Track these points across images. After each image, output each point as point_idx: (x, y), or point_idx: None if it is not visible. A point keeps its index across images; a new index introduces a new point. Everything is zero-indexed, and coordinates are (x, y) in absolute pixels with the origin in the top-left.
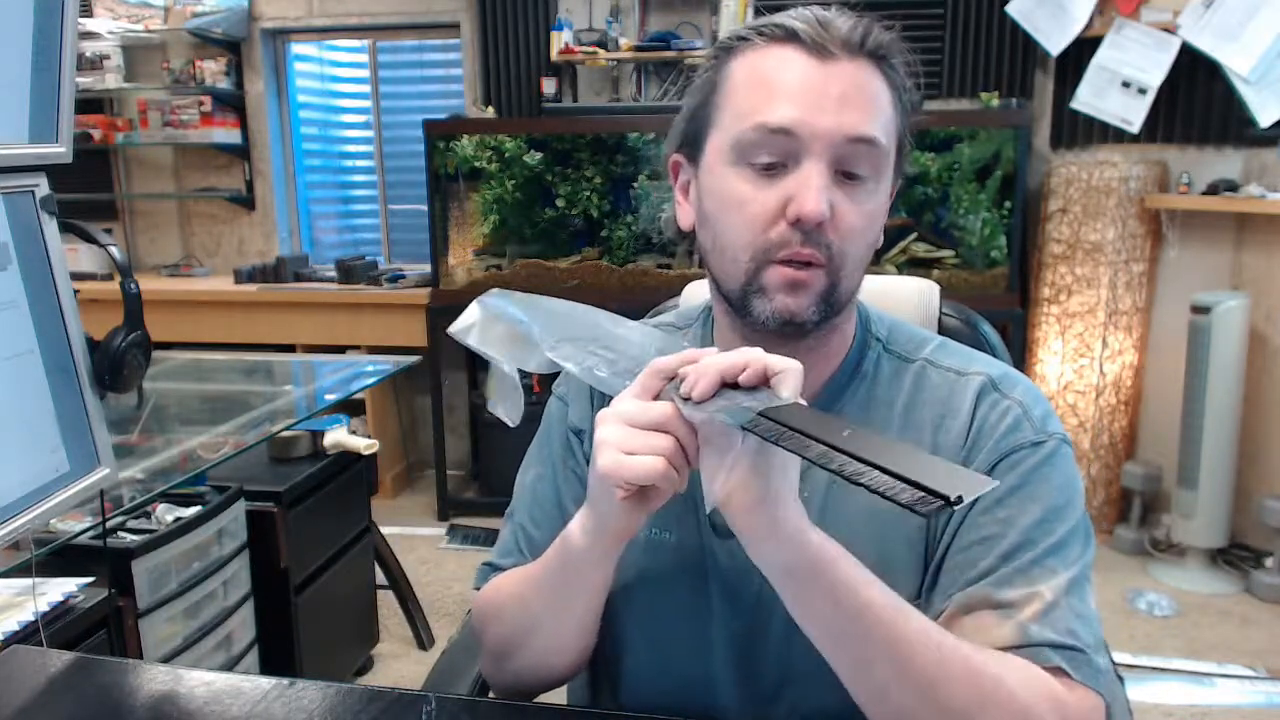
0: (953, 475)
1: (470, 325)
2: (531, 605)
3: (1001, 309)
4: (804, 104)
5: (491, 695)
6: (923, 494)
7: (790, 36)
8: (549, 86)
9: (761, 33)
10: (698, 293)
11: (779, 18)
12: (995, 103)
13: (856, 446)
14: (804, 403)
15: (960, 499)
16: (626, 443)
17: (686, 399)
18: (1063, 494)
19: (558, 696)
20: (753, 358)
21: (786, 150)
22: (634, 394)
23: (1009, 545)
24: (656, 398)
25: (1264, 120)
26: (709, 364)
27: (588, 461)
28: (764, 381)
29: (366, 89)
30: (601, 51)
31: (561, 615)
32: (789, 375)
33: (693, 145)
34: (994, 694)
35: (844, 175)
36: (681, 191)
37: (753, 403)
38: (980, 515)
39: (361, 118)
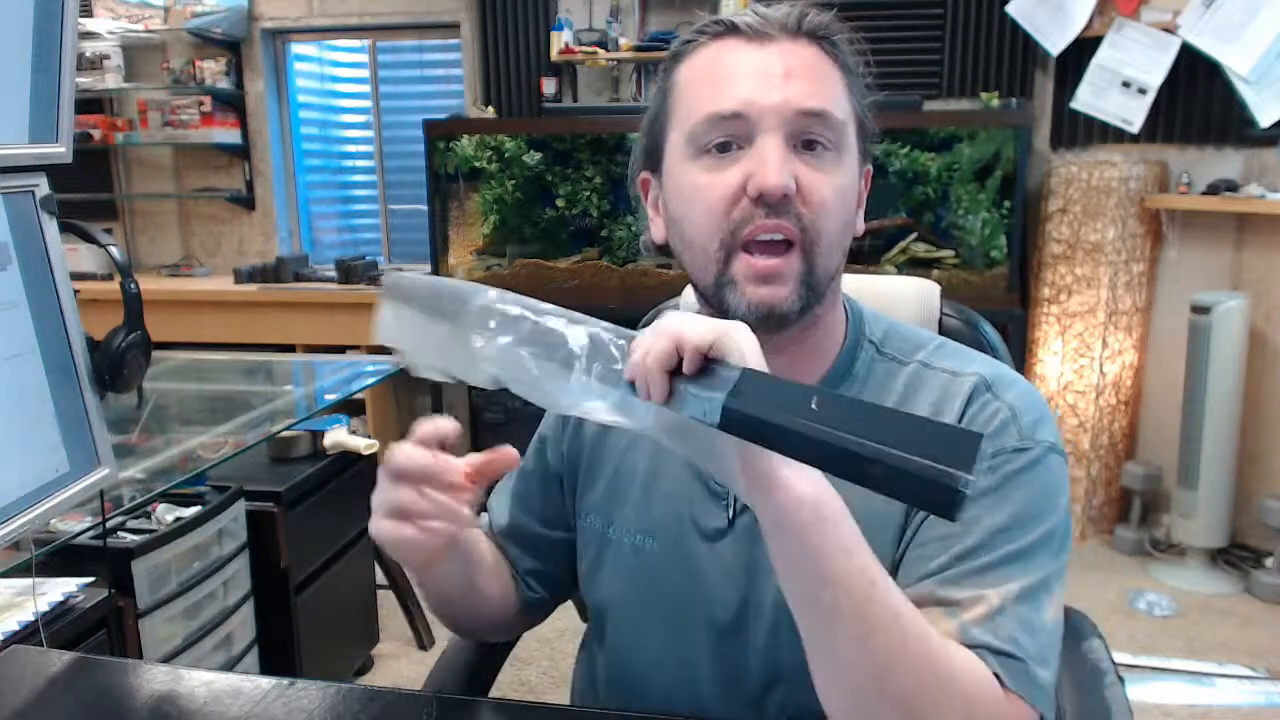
0: (944, 443)
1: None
2: None
3: (1001, 309)
4: (749, 85)
5: (491, 695)
6: (935, 488)
7: (730, 29)
8: (549, 86)
9: (703, 31)
10: None
11: (721, 15)
12: (995, 103)
13: (828, 422)
14: (757, 368)
15: (967, 487)
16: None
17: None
18: (1037, 502)
19: (559, 696)
20: (674, 335)
21: (739, 131)
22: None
23: (964, 547)
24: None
25: (1264, 120)
26: (639, 363)
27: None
28: (705, 360)
29: (366, 89)
30: (601, 51)
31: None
32: (729, 339)
33: (654, 156)
34: (943, 687)
35: (804, 145)
36: (653, 208)
37: (712, 391)
38: None
39: (361, 118)
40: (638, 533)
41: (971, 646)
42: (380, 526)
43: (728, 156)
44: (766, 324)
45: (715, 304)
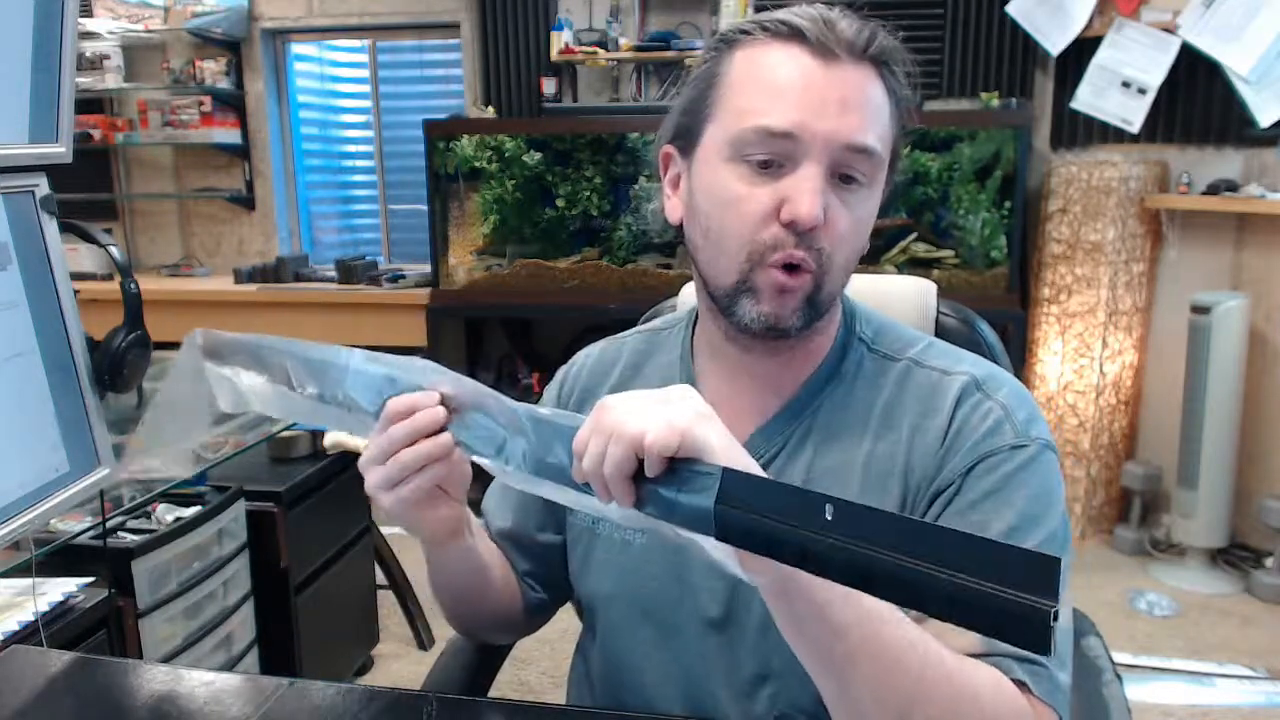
0: (1016, 565)
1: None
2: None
3: (1002, 309)
4: (806, 107)
5: (491, 696)
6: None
7: (795, 34)
8: (549, 86)
9: (765, 27)
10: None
11: (783, 14)
12: (995, 103)
13: (858, 538)
14: (729, 457)
15: (1056, 619)
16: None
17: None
18: (1039, 501)
19: (558, 696)
20: (631, 441)
21: (785, 151)
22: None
23: None
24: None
25: (1264, 120)
26: (594, 471)
27: None
28: (670, 460)
29: (366, 89)
30: (601, 51)
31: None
32: (695, 437)
33: (687, 138)
34: (967, 711)
35: (840, 179)
36: (671, 185)
37: (691, 496)
38: (953, 518)
39: (361, 118)
40: (626, 527)
41: (995, 655)
42: (384, 499)
43: (767, 172)
44: (768, 335)
45: (723, 306)
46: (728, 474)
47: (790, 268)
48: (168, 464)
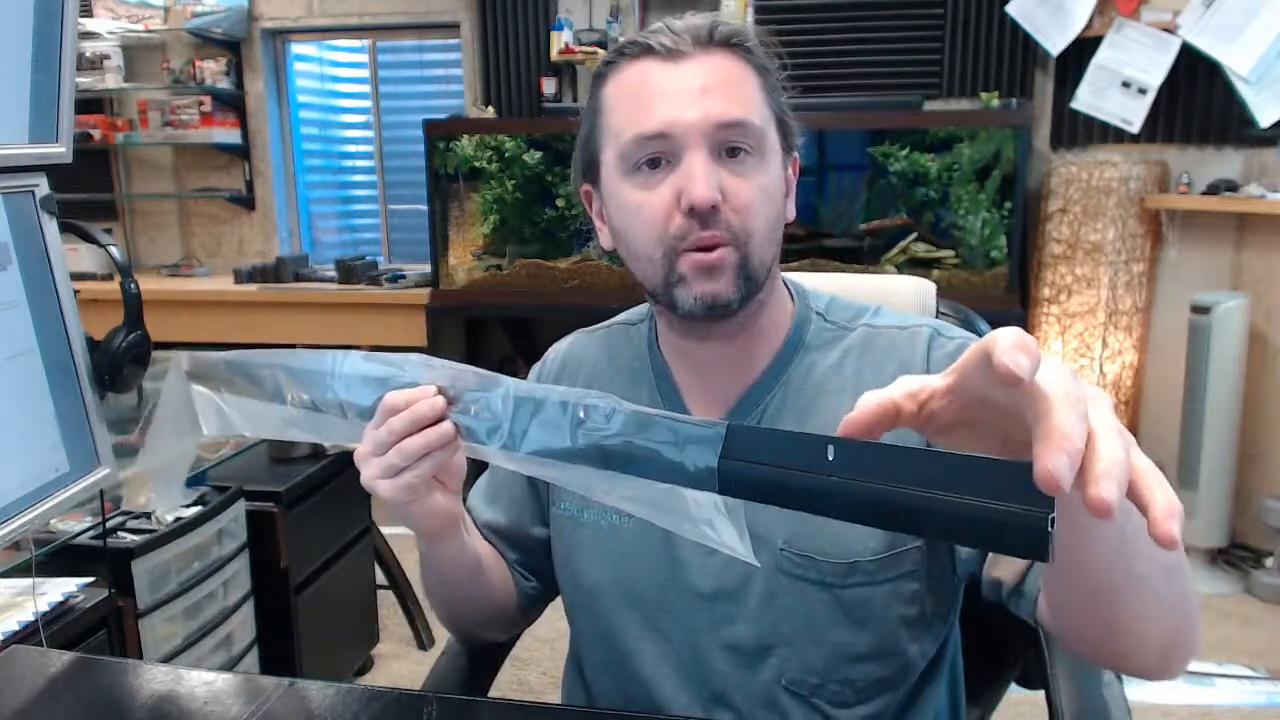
0: (1012, 481)
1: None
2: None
3: (1001, 309)
4: (670, 105)
5: (491, 695)
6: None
7: (645, 50)
8: (549, 86)
9: (623, 53)
10: None
11: (637, 35)
12: (995, 103)
13: (861, 473)
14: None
15: (1053, 525)
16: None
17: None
18: None
19: (557, 696)
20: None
21: (667, 149)
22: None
23: None
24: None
25: (1264, 120)
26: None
27: None
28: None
29: (366, 89)
30: (601, 51)
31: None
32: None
33: (591, 170)
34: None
35: (728, 155)
36: (598, 217)
37: (695, 453)
38: None
39: (361, 118)
40: (613, 511)
41: None
42: (384, 487)
43: (658, 172)
44: (712, 314)
45: (665, 302)
46: (732, 429)
47: (710, 248)
48: (168, 495)
